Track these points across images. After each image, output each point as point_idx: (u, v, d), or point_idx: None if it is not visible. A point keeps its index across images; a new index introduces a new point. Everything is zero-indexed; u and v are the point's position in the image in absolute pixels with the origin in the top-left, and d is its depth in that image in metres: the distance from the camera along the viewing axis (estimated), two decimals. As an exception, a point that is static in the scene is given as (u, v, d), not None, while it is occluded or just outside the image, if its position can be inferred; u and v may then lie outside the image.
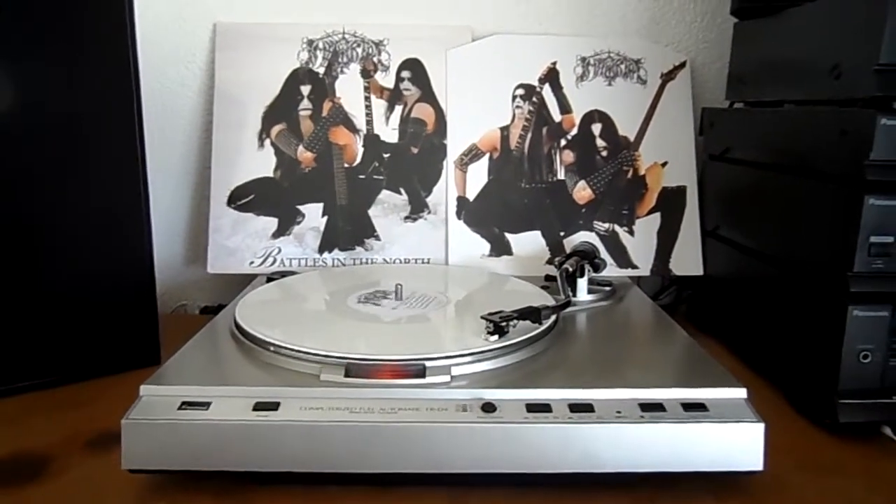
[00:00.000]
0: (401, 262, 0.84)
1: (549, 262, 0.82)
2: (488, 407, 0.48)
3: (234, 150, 0.84)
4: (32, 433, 0.56)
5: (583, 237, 0.83)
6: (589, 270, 0.72)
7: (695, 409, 0.48)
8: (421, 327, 0.60)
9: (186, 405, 0.48)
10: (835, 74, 0.57)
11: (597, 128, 0.85)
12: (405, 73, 0.86)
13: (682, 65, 0.86)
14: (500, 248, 0.84)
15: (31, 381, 0.63)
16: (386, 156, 0.85)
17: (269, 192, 0.84)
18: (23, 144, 0.60)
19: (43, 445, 0.54)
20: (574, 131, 0.85)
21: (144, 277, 0.68)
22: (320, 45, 0.85)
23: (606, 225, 0.84)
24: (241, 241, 0.83)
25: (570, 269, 0.70)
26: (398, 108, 0.86)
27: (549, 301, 0.63)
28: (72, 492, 0.49)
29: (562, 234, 0.84)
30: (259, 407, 0.48)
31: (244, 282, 0.78)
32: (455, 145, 0.85)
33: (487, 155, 0.85)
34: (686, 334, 0.62)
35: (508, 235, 0.84)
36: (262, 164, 0.84)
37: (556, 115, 0.85)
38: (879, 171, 0.53)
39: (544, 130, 0.85)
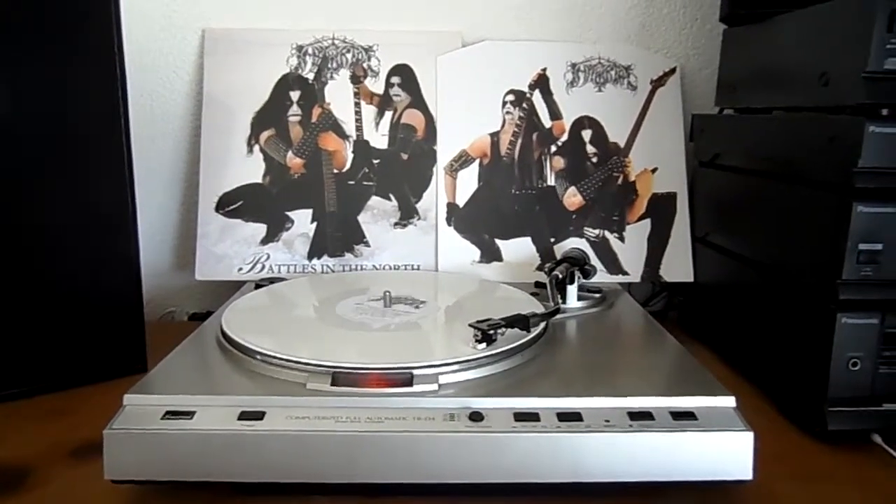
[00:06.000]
0: (390, 269, 0.84)
1: (540, 268, 0.82)
2: (476, 416, 0.47)
3: (222, 156, 0.83)
4: (14, 443, 0.55)
5: (573, 243, 0.83)
6: (579, 277, 0.72)
7: (683, 417, 0.48)
8: (409, 335, 0.59)
9: (170, 415, 0.47)
10: (823, 81, 0.57)
11: (587, 134, 0.85)
12: (395, 79, 0.86)
13: (672, 71, 0.86)
14: (491, 254, 0.84)
15: (13, 389, 0.62)
16: (375, 162, 0.85)
17: (258, 199, 0.83)
18: (7, 149, 0.60)
19: (24, 455, 0.53)
20: (564, 137, 0.85)
21: (131, 284, 0.67)
22: (310, 51, 0.85)
23: (597, 231, 0.84)
24: (230, 247, 0.82)
25: (560, 276, 0.70)
26: (388, 114, 0.85)
27: (539, 308, 0.63)
28: (53, 503, 0.48)
29: (552, 240, 0.84)
30: (244, 416, 0.47)
31: (233, 288, 0.78)
32: (445, 151, 0.85)
33: (477, 161, 0.85)
34: (676, 342, 0.62)
35: (498, 242, 0.84)
36: (250, 170, 0.84)
37: (547, 122, 0.85)
38: (868, 178, 0.53)
39: (534, 136, 0.85)
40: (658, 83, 0.86)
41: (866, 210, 0.53)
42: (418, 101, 0.86)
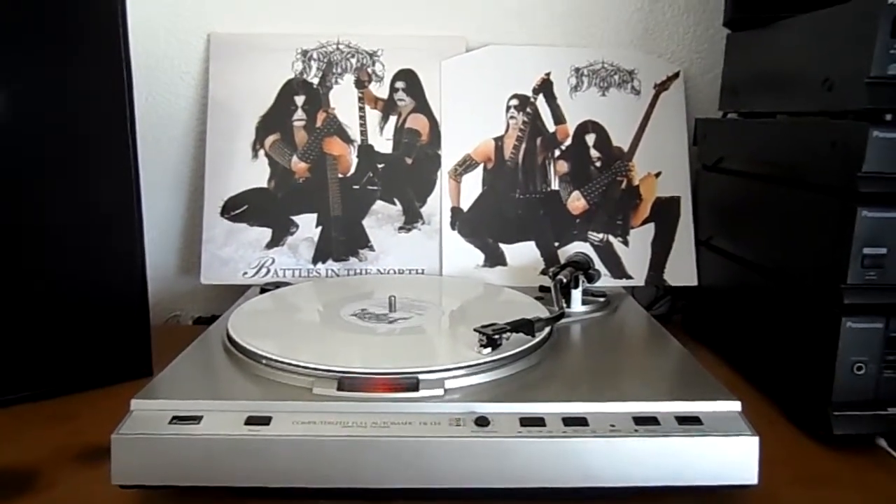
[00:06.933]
0: (395, 273, 0.84)
1: (544, 272, 0.82)
2: (482, 421, 0.48)
3: (227, 161, 0.84)
4: (20, 447, 0.55)
5: (577, 248, 0.83)
6: (583, 281, 0.72)
7: (689, 422, 0.48)
8: (414, 340, 0.59)
9: (177, 419, 0.47)
10: (826, 86, 0.58)
11: (591, 138, 0.85)
12: (399, 84, 0.86)
13: (676, 75, 0.87)
14: (495, 258, 0.84)
15: (19, 393, 0.62)
16: (380, 166, 0.85)
17: (263, 203, 0.84)
18: (14, 153, 0.60)
19: (31, 459, 0.54)
20: (568, 142, 0.85)
21: (137, 288, 0.67)
22: (314, 56, 0.85)
23: (601, 235, 0.84)
24: (235, 251, 0.83)
25: (565, 280, 0.70)
26: (392, 119, 0.86)
27: (544, 312, 0.63)
28: (61, 507, 0.48)
29: (556, 244, 0.84)
30: (251, 421, 0.47)
31: (238, 292, 0.78)
32: (449, 156, 0.85)
33: (481, 165, 0.85)
34: (680, 346, 0.62)
35: (503, 246, 0.84)
36: (255, 174, 0.84)
37: (551, 126, 0.85)
38: (872, 182, 0.53)
39: (538, 141, 0.85)
40: (661, 87, 0.86)
41: (870, 214, 0.53)
42: (422, 106, 0.86)
